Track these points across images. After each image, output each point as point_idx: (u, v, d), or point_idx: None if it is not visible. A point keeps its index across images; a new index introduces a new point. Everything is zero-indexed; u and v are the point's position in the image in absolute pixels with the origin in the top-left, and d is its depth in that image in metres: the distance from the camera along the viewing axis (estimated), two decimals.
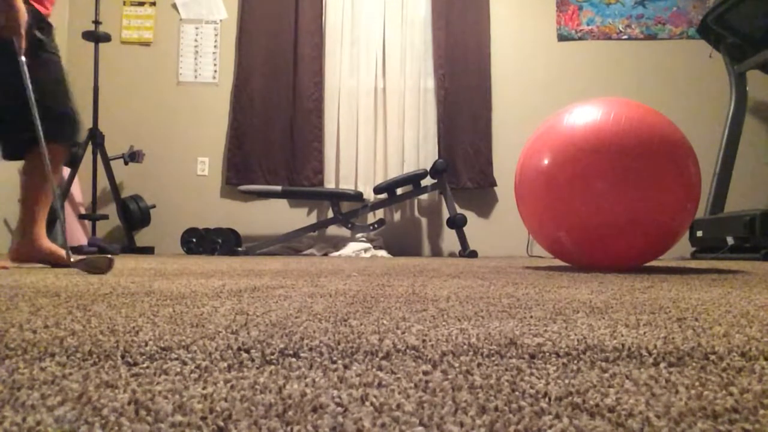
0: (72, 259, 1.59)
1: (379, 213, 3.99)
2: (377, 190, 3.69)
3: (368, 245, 3.70)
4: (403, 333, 0.55)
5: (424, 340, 0.51)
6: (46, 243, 1.85)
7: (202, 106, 4.15)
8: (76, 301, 0.80)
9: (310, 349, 0.47)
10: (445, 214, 3.89)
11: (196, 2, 4.17)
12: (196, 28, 4.17)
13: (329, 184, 4.07)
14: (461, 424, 0.29)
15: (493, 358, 0.45)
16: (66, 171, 3.68)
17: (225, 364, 0.42)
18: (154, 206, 3.89)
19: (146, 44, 4.17)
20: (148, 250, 3.79)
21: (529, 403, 0.33)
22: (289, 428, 0.29)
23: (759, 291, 1.04)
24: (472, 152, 4.04)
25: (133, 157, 3.70)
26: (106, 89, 3.99)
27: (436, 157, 3.97)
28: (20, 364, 0.41)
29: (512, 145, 4.02)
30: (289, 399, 0.33)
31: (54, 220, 3.35)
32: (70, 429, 0.28)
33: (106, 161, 3.64)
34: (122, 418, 0.30)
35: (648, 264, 2.17)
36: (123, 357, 0.44)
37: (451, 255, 3.97)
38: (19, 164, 1.96)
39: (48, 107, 1.74)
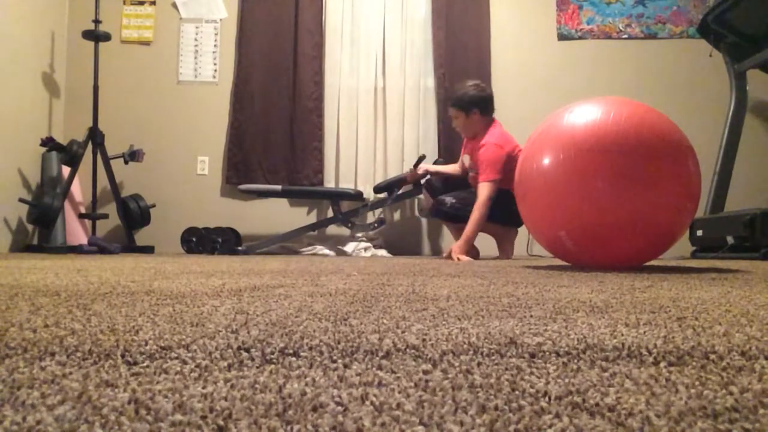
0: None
1: (379, 212, 3.99)
2: (377, 189, 3.69)
3: (368, 244, 3.70)
4: (403, 332, 0.55)
5: (424, 340, 0.51)
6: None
7: (202, 105, 4.15)
8: (76, 300, 0.80)
9: (310, 348, 0.47)
10: None
11: (196, 1, 4.17)
12: (196, 28, 4.17)
13: (329, 184, 4.07)
14: (461, 424, 0.29)
15: (493, 358, 0.45)
16: (66, 170, 3.68)
17: (225, 363, 0.42)
18: (154, 205, 3.89)
19: (146, 43, 4.17)
20: (148, 250, 3.79)
21: (529, 402, 0.33)
22: (289, 427, 0.29)
23: (759, 290, 1.04)
24: None
25: (133, 156, 3.70)
26: (106, 88, 3.99)
27: (436, 157, 3.97)
28: (20, 363, 0.41)
29: None
30: (289, 398, 0.33)
31: (54, 219, 3.35)
32: (70, 428, 0.28)
33: (106, 160, 3.64)
34: (122, 417, 0.30)
35: (648, 263, 2.17)
36: (123, 356, 0.44)
37: None
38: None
39: None
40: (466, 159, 3.20)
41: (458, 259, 2.76)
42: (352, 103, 4.09)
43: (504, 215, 2.96)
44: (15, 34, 3.60)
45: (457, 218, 3.00)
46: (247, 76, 4.08)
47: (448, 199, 3.00)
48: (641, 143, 1.66)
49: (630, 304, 0.81)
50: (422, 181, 3.33)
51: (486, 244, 3.36)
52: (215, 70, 4.16)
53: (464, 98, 3.03)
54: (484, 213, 2.84)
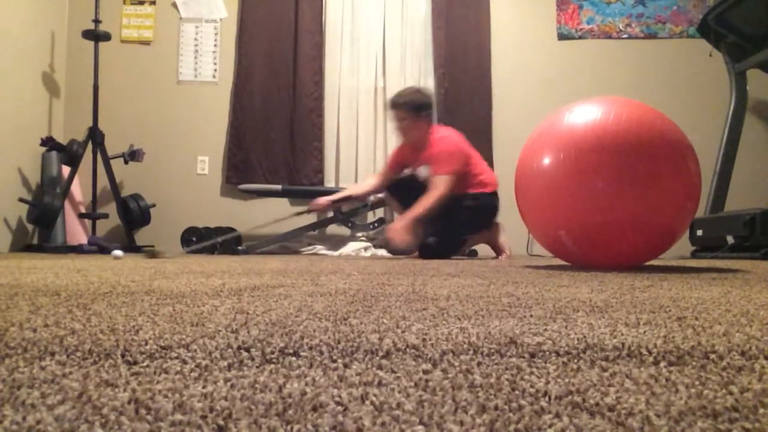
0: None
1: (379, 212, 3.99)
2: None
3: (368, 244, 3.70)
4: (403, 332, 0.55)
5: (424, 339, 0.51)
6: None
7: (202, 105, 4.15)
8: (76, 300, 0.80)
9: (310, 348, 0.47)
10: None
11: (196, 1, 4.17)
12: (196, 27, 4.17)
13: (329, 183, 4.07)
14: (461, 423, 0.29)
15: (493, 357, 0.45)
16: (66, 170, 3.68)
17: (225, 363, 0.42)
18: (154, 205, 3.89)
19: (146, 43, 4.17)
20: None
21: (529, 402, 0.33)
22: (289, 427, 0.29)
23: (759, 290, 1.04)
24: None
25: (133, 156, 3.70)
26: (106, 88, 3.98)
27: None
28: (20, 363, 0.41)
29: (512, 144, 4.01)
30: (289, 398, 0.33)
31: (54, 218, 3.35)
32: (70, 428, 0.28)
33: (106, 160, 3.64)
34: (122, 416, 0.30)
35: (648, 263, 2.17)
36: (123, 356, 0.44)
37: None
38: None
39: None
40: (423, 170, 3.04)
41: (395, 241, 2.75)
42: (352, 103, 4.09)
43: (485, 221, 2.97)
44: (15, 34, 3.60)
45: (442, 255, 2.88)
46: (247, 76, 4.08)
47: (431, 239, 2.87)
48: (641, 143, 1.66)
49: (630, 304, 0.81)
50: (372, 198, 3.34)
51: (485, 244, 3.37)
52: (215, 70, 4.16)
53: (416, 101, 2.95)
54: (437, 207, 2.77)
